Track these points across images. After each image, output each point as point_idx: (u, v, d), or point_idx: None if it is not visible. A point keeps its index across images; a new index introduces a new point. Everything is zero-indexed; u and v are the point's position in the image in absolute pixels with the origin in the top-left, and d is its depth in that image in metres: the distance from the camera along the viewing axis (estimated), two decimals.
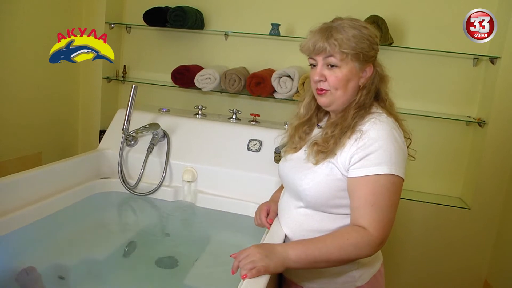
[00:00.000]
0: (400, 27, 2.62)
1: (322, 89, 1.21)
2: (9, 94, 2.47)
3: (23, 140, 2.64)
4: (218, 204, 1.87)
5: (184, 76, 2.74)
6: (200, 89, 2.71)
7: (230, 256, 1.11)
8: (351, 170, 1.14)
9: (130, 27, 3.03)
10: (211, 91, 2.73)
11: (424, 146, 2.58)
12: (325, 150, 1.19)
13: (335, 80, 1.18)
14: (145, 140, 2.00)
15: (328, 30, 1.18)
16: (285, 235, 1.30)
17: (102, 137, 2.17)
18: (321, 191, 1.19)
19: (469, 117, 2.61)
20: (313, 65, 1.23)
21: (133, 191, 1.91)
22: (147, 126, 1.93)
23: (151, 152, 1.95)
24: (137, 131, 1.93)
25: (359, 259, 1.15)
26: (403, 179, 1.15)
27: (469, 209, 2.55)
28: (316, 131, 1.32)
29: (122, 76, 3.05)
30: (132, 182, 1.94)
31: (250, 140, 1.93)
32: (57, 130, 2.92)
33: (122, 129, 1.88)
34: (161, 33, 2.97)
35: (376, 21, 2.47)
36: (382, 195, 1.10)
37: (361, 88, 1.22)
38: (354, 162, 1.14)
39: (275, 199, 1.49)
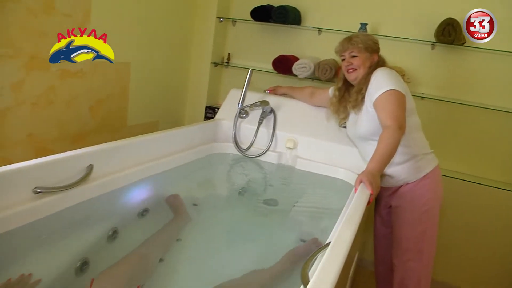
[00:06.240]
0: None
1: (351, 68, 1.94)
2: (142, 75, 2.88)
3: (146, 110, 3.00)
4: (313, 167, 2.21)
5: (283, 64, 3.06)
6: (296, 75, 3.01)
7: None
8: (374, 99, 1.82)
9: (235, 21, 3.43)
10: (305, 78, 3.02)
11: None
12: (357, 104, 1.95)
13: (357, 62, 1.93)
14: (253, 115, 2.36)
15: (349, 38, 1.97)
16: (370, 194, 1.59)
17: (206, 112, 2.68)
18: (369, 127, 1.89)
19: None
20: (343, 59, 1.99)
21: (244, 153, 2.29)
22: (259, 102, 2.27)
23: (261, 123, 2.33)
24: (250, 106, 2.27)
25: (399, 143, 1.70)
26: (404, 95, 1.79)
27: None
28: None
29: (226, 62, 3.48)
30: (244, 146, 2.31)
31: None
32: (170, 104, 3.30)
33: (238, 104, 2.23)
34: (263, 27, 3.31)
35: (451, 23, 2.57)
36: (390, 102, 1.76)
37: (371, 65, 1.94)
38: (372, 94, 1.83)
39: (292, 87, 2.48)
